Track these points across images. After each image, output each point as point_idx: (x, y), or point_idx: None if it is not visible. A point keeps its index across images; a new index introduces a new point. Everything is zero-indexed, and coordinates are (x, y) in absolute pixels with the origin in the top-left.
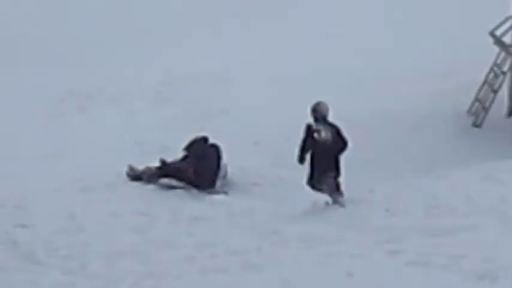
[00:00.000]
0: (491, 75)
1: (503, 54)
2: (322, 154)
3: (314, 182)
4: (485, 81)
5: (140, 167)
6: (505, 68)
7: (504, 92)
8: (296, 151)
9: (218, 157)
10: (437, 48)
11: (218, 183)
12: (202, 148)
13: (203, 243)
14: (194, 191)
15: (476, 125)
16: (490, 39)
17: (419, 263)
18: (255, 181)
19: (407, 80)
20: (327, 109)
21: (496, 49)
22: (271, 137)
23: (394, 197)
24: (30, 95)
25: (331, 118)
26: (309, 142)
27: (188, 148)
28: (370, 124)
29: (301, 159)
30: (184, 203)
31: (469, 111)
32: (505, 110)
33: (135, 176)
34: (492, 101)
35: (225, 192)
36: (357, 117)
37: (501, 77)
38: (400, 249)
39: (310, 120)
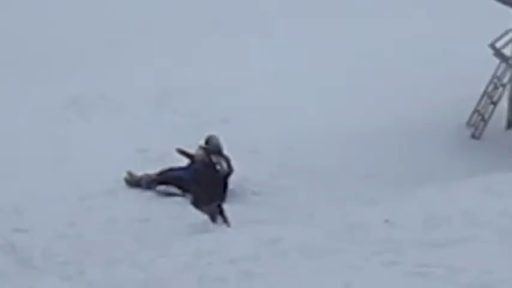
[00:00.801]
0: (491, 87)
1: (503, 66)
2: (212, 184)
3: (198, 205)
4: (484, 93)
5: (139, 173)
6: (505, 80)
7: (504, 104)
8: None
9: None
10: (438, 60)
11: None
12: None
13: (201, 251)
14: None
15: (475, 136)
16: (490, 51)
17: (418, 274)
18: (254, 190)
19: (407, 93)
20: (217, 145)
21: (496, 61)
22: (272, 146)
23: (394, 208)
24: (33, 101)
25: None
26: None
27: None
28: (370, 138)
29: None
30: (183, 210)
31: (468, 122)
32: (504, 122)
33: (134, 182)
34: (491, 112)
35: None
36: (356, 130)
37: (501, 89)
38: (398, 260)
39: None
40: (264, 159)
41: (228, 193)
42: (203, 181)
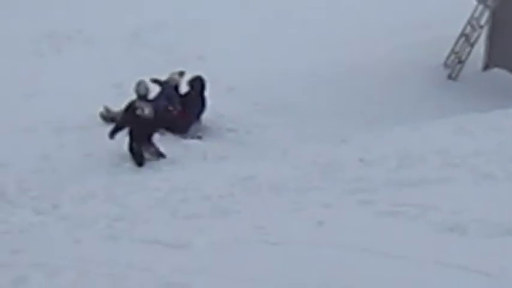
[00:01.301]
0: (469, 28)
1: (481, 7)
2: (143, 129)
3: (134, 151)
4: (462, 34)
5: (116, 109)
6: (483, 22)
7: (481, 45)
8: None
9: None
10: (417, 1)
11: (192, 128)
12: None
13: (175, 187)
14: (169, 135)
15: (452, 77)
16: None
17: (390, 213)
18: (229, 127)
19: (384, 33)
20: (144, 89)
21: (474, 2)
22: (247, 84)
23: (367, 147)
24: (7, 36)
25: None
26: (130, 118)
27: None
28: (344, 75)
29: (113, 134)
30: (159, 146)
31: (445, 63)
32: (481, 63)
33: (109, 118)
34: (469, 54)
35: (200, 137)
36: (329, 71)
37: (478, 30)
38: (371, 199)
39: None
40: (240, 97)
41: (204, 130)
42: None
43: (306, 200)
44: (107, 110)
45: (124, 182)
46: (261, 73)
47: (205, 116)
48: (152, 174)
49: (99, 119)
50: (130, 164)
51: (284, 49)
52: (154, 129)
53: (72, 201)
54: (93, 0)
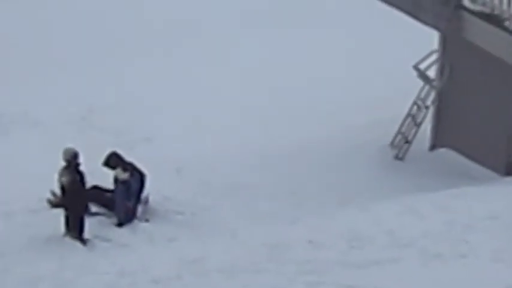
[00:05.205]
0: (415, 108)
1: (427, 87)
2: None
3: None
4: (408, 115)
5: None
6: (429, 102)
7: (427, 125)
8: None
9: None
10: (361, 80)
11: (139, 210)
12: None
13: (124, 271)
14: (115, 218)
15: (399, 157)
16: (414, 73)
17: None
18: (176, 209)
19: (337, 112)
20: (69, 154)
21: (420, 83)
22: (195, 165)
23: (317, 228)
24: None
25: None
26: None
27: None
28: (293, 156)
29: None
30: (105, 229)
31: (391, 143)
32: (427, 143)
33: (57, 204)
34: (415, 134)
35: (147, 220)
36: (281, 150)
37: (424, 110)
38: (322, 280)
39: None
40: (187, 178)
41: (151, 212)
42: None
43: (255, 283)
44: (54, 194)
45: (71, 265)
46: (210, 153)
47: (153, 198)
48: (101, 258)
49: (46, 204)
50: (79, 245)
51: (232, 128)
52: (74, 198)
53: (20, 286)
54: (38, 82)
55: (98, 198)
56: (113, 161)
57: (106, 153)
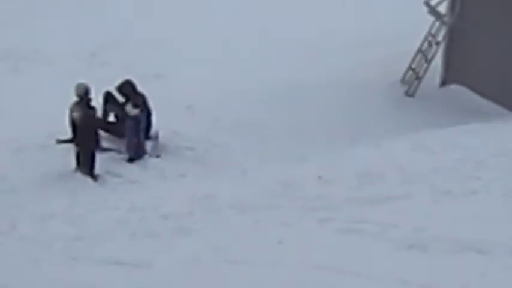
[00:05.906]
0: (426, 44)
1: (437, 23)
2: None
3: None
4: (419, 51)
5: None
6: (440, 38)
7: (438, 61)
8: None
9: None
10: (372, 17)
11: (149, 145)
12: None
13: (135, 207)
14: (126, 153)
15: (409, 94)
16: (425, 9)
17: (350, 231)
18: (188, 145)
19: (343, 50)
20: (81, 89)
21: (431, 19)
22: (206, 101)
23: (327, 165)
24: None
25: None
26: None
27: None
28: (303, 93)
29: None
30: (117, 165)
31: (402, 80)
32: (438, 79)
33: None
34: (426, 70)
35: (158, 156)
36: (290, 89)
37: (435, 46)
38: (331, 217)
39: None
40: (198, 115)
41: (162, 148)
42: None
43: (266, 219)
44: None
45: (82, 202)
46: (221, 91)
47: (163, 134)
48: (111, 193)
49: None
50: (90, 181)
51: (244, 67)
52: (85, 134)
53: (31, 222)
54: (48, 19)
55: (107, 128)
56: (126, 88)
57: (120, 80)
